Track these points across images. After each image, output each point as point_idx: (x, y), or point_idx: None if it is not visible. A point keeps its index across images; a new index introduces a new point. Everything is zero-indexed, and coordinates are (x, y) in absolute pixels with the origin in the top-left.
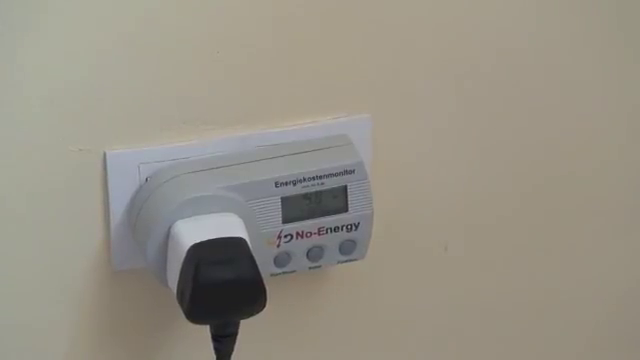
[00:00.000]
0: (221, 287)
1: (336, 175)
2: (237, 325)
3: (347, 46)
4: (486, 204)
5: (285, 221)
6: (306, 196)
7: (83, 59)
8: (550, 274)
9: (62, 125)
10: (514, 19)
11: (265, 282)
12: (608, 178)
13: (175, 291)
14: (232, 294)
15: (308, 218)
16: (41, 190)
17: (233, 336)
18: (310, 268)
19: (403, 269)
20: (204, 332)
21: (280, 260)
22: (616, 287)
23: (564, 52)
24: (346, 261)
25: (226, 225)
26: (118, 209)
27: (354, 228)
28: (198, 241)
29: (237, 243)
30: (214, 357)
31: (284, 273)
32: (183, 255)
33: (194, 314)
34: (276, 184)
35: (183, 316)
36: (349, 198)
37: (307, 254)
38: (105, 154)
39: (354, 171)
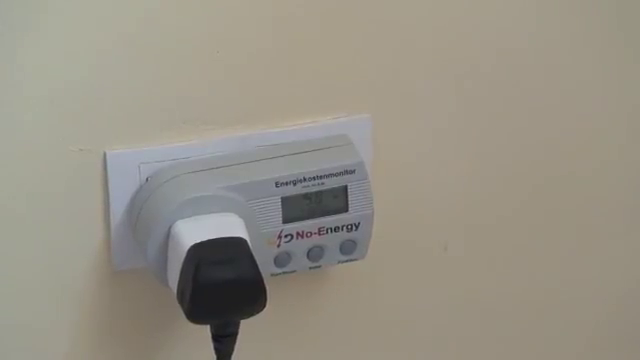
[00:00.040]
0: (221, 287)
1: (336, 175)
2: (237, 325)
3: (347, 46)
4: (486, 204)
5: (285, 221)
6: (306, 196)
7: (83, 59)
8: (550, 274)
9: (62, 125)
10: (514, 19)
11: (265, 282)
12: (608, 178)
13: (175, 291)
14: (232, 294)
15: (308, 218)
16: (41, 190)
17: (233, 336)
18: (310, 268)
19: (403, 269)
20: (204, 332)
21: (280, 260)
22: (616, 287)
23: (564, 52)
24: (346, 261)
25: (226, 225)
26: (118, 209)
27: (354, 228)
28: (198, 241)
29: (237, 243)
30: (214, 357)
31: (284, 273)
32: (183, 255)
33: (194, 314)
34: (276, 184)
35: (183, 316)
36: (349, 198)
37: (307, 254)
38: (105, 154)
39: (354, 171)
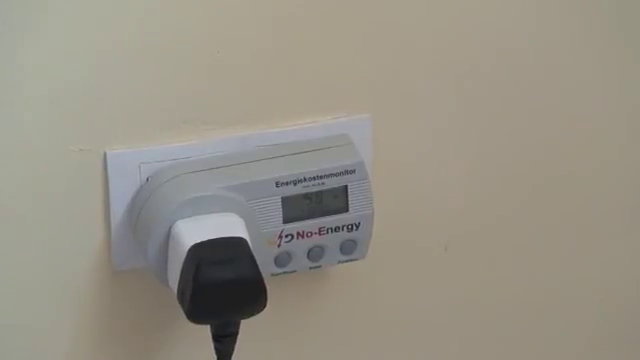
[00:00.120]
0: (222, 287)
1: (337, 175)
2: (238, 325)
3: (347, 46)
4: (486, 204)
5: (286, 221)
6: (307, 196)
7: (83, 59)
8: (550, 274)
9: (62, 125)
10: (514, 19)
11: (265, 282)
12: (608, 178)
13: (176, 291)
14: (233, 294)
15: (309, 218)
16: (42, 190)
17: (234, 336)
18: (311, 268)
19: (403, 269)
20: (204, 332)
21: (281, 260)
22: (616, 287)
23: (564, 52)
24: (347, 261)
25: (227, 225)
26: (119, 209)
27: (355, 228)
28: (199, 241)
29: (238, 243)
30: (214, 357)
31: (285, 273)
32: (184, 255)
33: (195, 314)
34: (277, 184)
35: (184, 316)
36: (350, 198)
37: (308, 254)
38: (106, 154)
39: (355, 171)
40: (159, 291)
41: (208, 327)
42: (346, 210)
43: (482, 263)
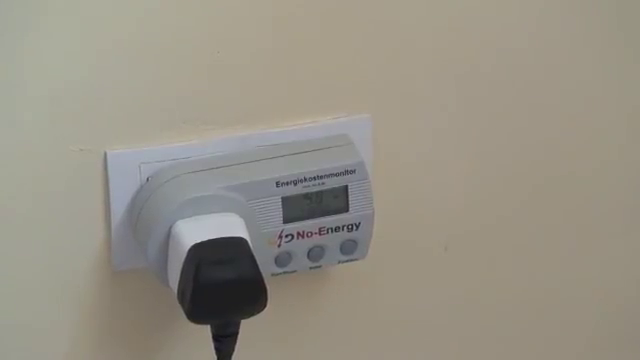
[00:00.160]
0: (222, 287)
1: (337, 175)
2: (238, 325)
3: (347, 46)
4: (486, 204)
5: (286, 221)
6: (307, 196)
7: (83, 59)
8: (550, 274)
9: (62, 125)
10: (514, 19)
11: (266, 282)
12: (608, 178)
13: (176, 291)
14: (233, 294)
15: (309, 218)
16: (42, 190)
17: (234, 336)
18: (311, 268)
19: (403, 269)
20: (205, 332)
21: (281, 260)
22: (616, 287)
23: (564, 52)
24: (347, 261)
25: (227, 225)
26: (119, 209)
27: (355, 228)
28: (199, 241)
29: (238, 243)
30: (215, 357)
31: (285, 273)
32: (184, 255)
33: (195, 314)
34: (277, 184)
35: (184, 316)
36: (350, 198)
37: (308, 254)
38: (106, 154)
39: (355, 171)
40: (159, 291)
41: (208, 327)
42: (346, 210)
43: (482, 263)
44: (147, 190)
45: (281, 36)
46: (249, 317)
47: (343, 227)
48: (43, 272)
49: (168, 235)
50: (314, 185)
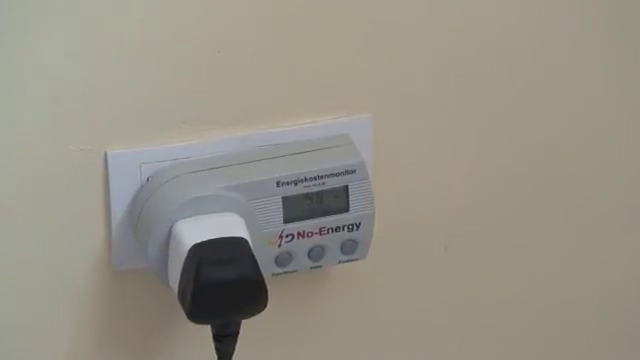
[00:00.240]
0: (222, 287)
1: (337, 175)
2: (238, 325)
3: (347, 46)
4: (486, 204)
5: (286, 221)
6: (307, 196)
7: (83, 59)
8: (550, 274)
9: (63, 125)
10: (514, 19)
11: (266, 282)
12: (608, 178)
13: (176, 291)
14: (233, 294)
15: (309, 218)
16: (42, 190)
17: (234, 336)
18: (311, 268)
19: (403, 269)
20: (205, 332)
21: (281, 260)
22: (616, 287)
23: (564, 52)
24: (347, 261)
25: (227, 225)
26: (119, 209)
27: (355, 228)
28: (199, 241)
29: (238, 243)
30: (215, 357)
31: (285, 273)
32: (184, 255)
33: (195, 314)
34: (277, 184)
35: (184, 316)
36: (350, 198)
37: (308, 254)
38: (106, 154)
39: (355, 171)
40: (159, 291)
41: (209, 327)
42: (347, 210)
43: (482, 263)
44: (147, 190)
45: (281, 36)
46: (249, 317)
47: (343, 227)
48: (43, 272)
49: (168, 235)
50: (314, 185)
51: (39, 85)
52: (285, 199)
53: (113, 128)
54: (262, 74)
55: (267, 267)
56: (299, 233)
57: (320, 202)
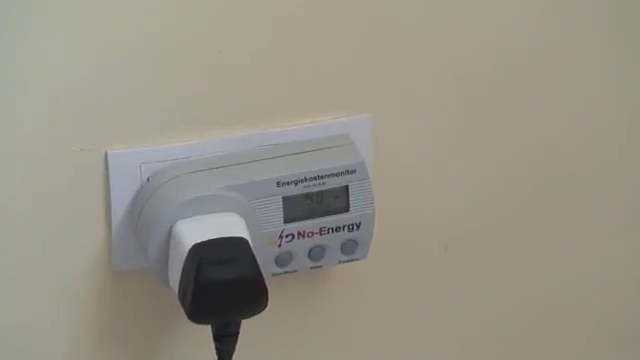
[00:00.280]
0: (223, 287)
1: (337, 175)
2: (238, 325)
3: (347, 46)
4: (486, 204)
5: (286, 221)
6: (307, 196)
7: (83, 59)
8: (550, 274)
9: (63, 125)
10: (514, 19)
11: (266, 282)
12: (608, 178)
13: (176, 291)
14: (234, 294)
15: (309, 218)
16: (42, 190)
17: (234, 336)
18: (311, 268)
19: (403, 269)
20: (205, 332)
21: (281, 260)
22: (616, 287)
23: (564, 52)
24: (347, 261)
25: (227, 225)
26: (119, 209)
27: (355, 228)
28: (199, 241)
29: (238, 243)
30: (215, 357)
31: (285, 273)
32: (184, 255)
33: (196, 314)
34: (277, 184)
35: (184, 316)
36: (350, 198)
37: (309, 254)
38: (107, 154)
39: (355, 171)
40: (160, 291)
41: (209, 327)
42: (347, 210)
43: (482, 263)
44: (148, 190)
45: (281, 36)
46: (250, 317)
47: (344, 227)
48: (43, 272)
49: (169, 235)
50: (315, 185)
51: (39, 85)
52: (285, 199)
53: (113, 128)
54: (262, 74)
55: (267, 267)
56: (299, 233)
57: (320, 202)
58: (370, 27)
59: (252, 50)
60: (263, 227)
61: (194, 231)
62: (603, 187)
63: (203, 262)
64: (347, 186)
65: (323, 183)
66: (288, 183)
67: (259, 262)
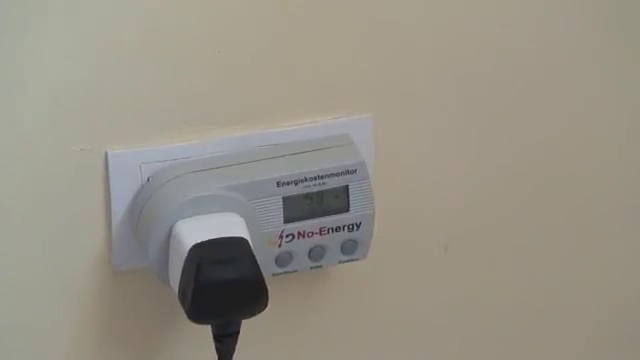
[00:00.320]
0: (223, 287)
1: (338, 175)
2: (239, 325)
3: (347, 46)
4: (486, 204)
5: (287, 221)
6: (308, 196)
7: (83, 59)
8: (550, 274)
9: (63, 125)
10: (514, 19)
11: (266, 282)
12: (608, 178)
13: (176, 291)
14: (234, 294)
15: (309, 218)
16: (42, 190)
17: (235, 336)
18: (312, 268)
19: (403, 269)
20: (205, 332)
21: (282, 260)
22: (616, 287)
23: (564, 52)
24: (347, 261)
25: (227, 225)
26: (119, 209)
27: (356, 228)
28: (199, 241)
29: (239, 243)
30: (215, 357)
31: (285, 273)
32: (185, 255)
33: (196, 314)
34: (278, 184)
35: (184, 316)
36: (350, 198)
37: (309, 254)
38: (107, 154)
39: (356, 171)
40: (160, 291)
41: (209, 327)
42: (347, 210)
43: (482, 263)
44: (148, 190)
45: (281, 36)
46: (250, 317)
47: (344, 227)
48: (43, 272)
49: (169, 235)
50: (315, 185)
51: (39, 85)
52: (285, 199)
53: (113, 128)
54: (262, 74)
55: (267, 267)
56: (299, 233)
57: (320, 202)
58: (370, 27)
59: (252, 50)
60: (263, 227)
61: (194, 231)
62: (603, 187)
63: (203, 262)
64: (347, 186)
65: (323, 183)
66: (288, 183)
67: (259, 262)
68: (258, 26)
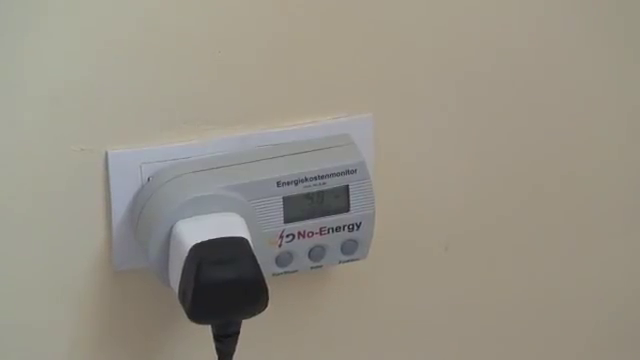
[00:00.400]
0: (223, 287)
1: (338, 175)
2: (239, 325)
3: (347, 46)
4: (486, 204)
5: (287, 221)
6: (308, 196)
7: (83, 59)
8: (550, 274)
9: (63, 125)
10: (514, 19)
11: (267, 282)
12: (608, 178)
13: (177, 291)
14: (234, 294)
15: (310, 218)
16: (43, 190)
17: (235, 336)
18: (312, 268)
19: (403, 269)
20: (206, 332)
21: (282, 260)
22: (616, 287)
23: (564, 52)
24: (348, 261)
25: (228, 225)
26: (120, 209)
27: (356, 228)
28: (200, 241)
29: (239, 243)
30: (215, 357)
31: (286, 273)
32: (185, 255)
33: (196, 314)
34: (278, 184)
35: (184, 316)
36: (351, 198)
37: (309, 254)
38: (107, 154)
39: (356, 171)
40: (160, 291)
41: (209, 327)
42: (347, 210)
43: (482, 263)
44: (148, 190)
45: (281, 36)
46: (250, 317)
47: (344, 227)
48: (43, 272)
49: (169, 235)
50: (315, 185)
51: (39, 85)
52: (285, 199)
53: (113, 128)
54: (262, 74)
55: (267, 267)
56: (299, 233)
57: (321, 202)
58: (370, 27)
59: (252, 50)
60: (263, 227)
61: (194, 231)
62: (603, 187)
63: (203, 262)
64: (347, 186)
65: (323, 183)
66: (288, 183)
67: (259, 262)
68: (258, 26)
